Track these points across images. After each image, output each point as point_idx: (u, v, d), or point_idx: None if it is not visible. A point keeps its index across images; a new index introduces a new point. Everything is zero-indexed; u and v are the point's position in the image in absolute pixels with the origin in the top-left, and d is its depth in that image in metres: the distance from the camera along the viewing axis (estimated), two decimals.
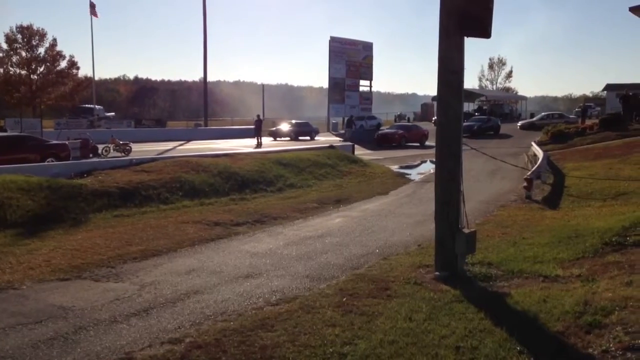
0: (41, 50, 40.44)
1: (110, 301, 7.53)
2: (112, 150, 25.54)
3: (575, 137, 32.64)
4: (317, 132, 43.52)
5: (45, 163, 18.09)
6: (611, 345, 5.26)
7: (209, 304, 7.36)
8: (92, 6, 41.76)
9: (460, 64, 8.36)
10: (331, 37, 53.31)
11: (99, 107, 53.80)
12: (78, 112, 48.40)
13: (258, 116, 37.30)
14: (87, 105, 51.40)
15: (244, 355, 5.58)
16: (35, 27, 40.26)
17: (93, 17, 41.50)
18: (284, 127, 42.85)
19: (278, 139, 40.24)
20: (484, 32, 8.14)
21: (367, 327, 6.18)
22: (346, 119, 49.72)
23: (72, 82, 42.59)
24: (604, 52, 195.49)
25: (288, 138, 39.91)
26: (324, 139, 38.60)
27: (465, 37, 8.30)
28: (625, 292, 6.56)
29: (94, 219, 13.36)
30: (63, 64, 41.38)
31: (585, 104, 51.59)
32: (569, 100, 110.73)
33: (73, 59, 41.68)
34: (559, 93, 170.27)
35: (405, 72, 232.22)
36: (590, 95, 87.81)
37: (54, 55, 40.80)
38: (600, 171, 20.33)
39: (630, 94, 34.76)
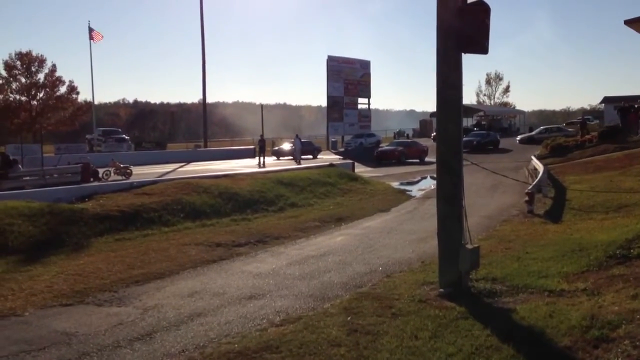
0: (40, 76, 40.77)
1: (113, 326, 7.49)
2: (112, 174, 25.55)
3: (574, 150, 32.67)
4: (319, 151, 43.73)
5: (47, 188, 18.10)
6: (620, 359, 5.21)
7: (212, 327, 7.31)
8: (91, 30, 42.13)
9: (459, 80, 8.37)
10: (329, 57, 53.81)
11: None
12: (106, 134, 50.09)
13: (261, 136, 37.53)
14: (112, 128, 55.45)
15: None
16: (34, 54, 40.63)
17: (92, 41, 41.81)
18: (287, 146, 42.98)
19: (281, 158, 40.30)
20: (481, 48, 8.17)
21: (372, 346, 6.13)
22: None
23: (72, 107, 42.85)
24: (601, 65, 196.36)
25: (291, 157, 40.02)
26: (326, 157, 38.66)
27: (463, 53, 8.34)
28: (632, 305, 6.51)
29: (95, 243, 13.32)
30: (63, 89, 41.72)
31: (584, 117, 51.69)
32: (567, 113, 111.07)
33: (73, 84, 42.03)
34: (557, 107, 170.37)
35: (403, 88, 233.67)
36: (588, 108, 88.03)
37: (53, 80, 41.09)
38: (601, 184, 20.29)
39: (627, 105, 34.83)
